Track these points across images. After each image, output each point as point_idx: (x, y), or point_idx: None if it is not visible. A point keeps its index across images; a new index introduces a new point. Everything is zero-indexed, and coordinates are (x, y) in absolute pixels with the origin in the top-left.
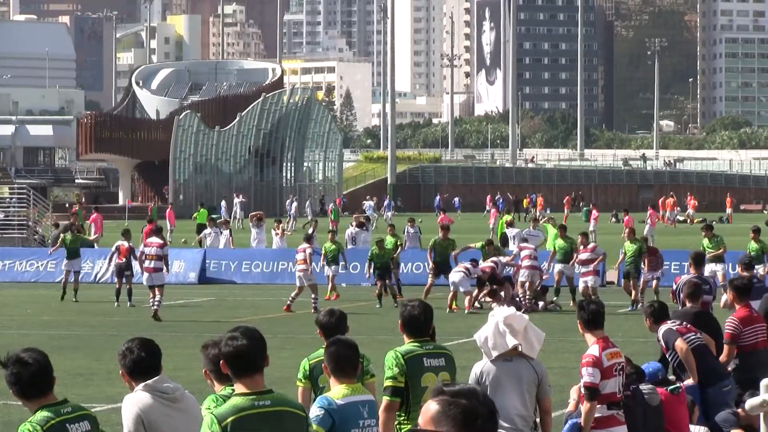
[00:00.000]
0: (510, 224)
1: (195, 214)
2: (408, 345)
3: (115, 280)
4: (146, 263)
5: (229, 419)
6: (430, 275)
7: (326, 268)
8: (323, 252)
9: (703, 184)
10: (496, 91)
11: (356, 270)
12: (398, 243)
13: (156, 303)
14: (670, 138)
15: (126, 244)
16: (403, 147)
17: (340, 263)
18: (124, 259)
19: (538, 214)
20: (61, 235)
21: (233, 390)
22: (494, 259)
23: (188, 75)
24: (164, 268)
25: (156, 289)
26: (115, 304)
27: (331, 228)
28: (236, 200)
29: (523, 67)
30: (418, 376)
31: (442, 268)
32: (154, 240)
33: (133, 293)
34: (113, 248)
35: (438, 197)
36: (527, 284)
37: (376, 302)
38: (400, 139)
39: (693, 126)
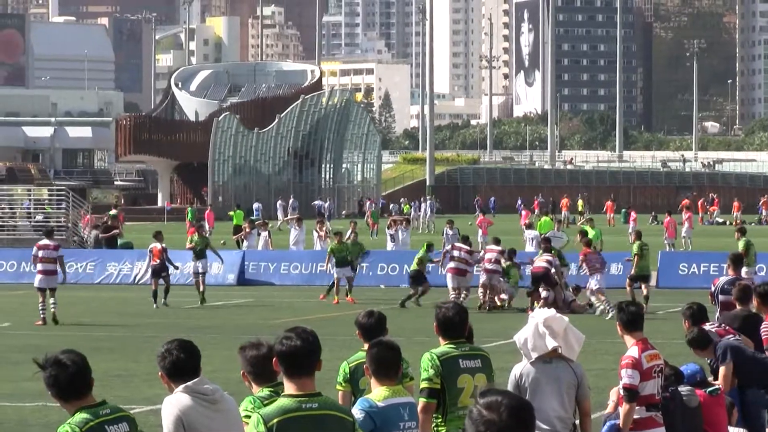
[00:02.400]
0: (529, 226)
1: (231, 214)
2: (444, 347)
3: (152, 281)
4: (39, 266)
5: (275, 420)
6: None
7: (336, 270)
8: (329, 252)
9: (742, 186)
10: (534, 93)
11: (395, 271)
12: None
13: (53, 306)
14: (709, 140)
15: (159, 245)
16: (441, 148)
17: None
18: (158, 261)
19: (564, 215)
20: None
21: (271, 391)
22: (548, 258)
23: (227, 77)
24: (58, 271)
25: (48, 291)
26: (154, 305)
27: (326, 229)
28: (280, 203)
29: (561, 68)
30: (455, 378)
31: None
32: (48, 242)
33: (170, 293)
34: (147, 250)
35: (492, 199)
36: (487, 287)
37: (408, 304)
38: (439, 141)
39: (738, 128)
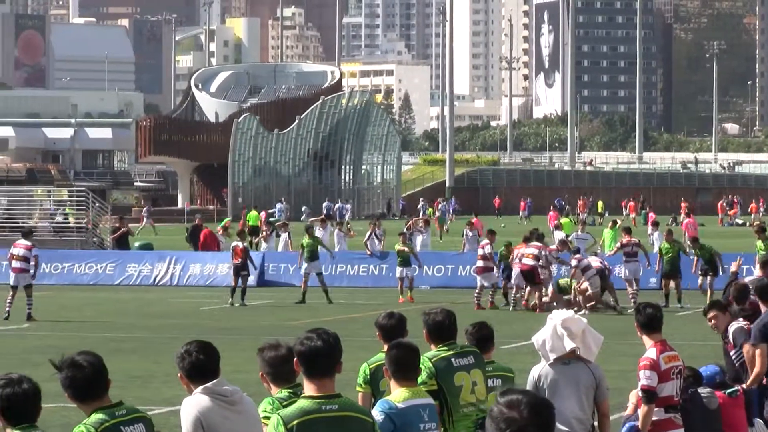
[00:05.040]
0: (558, 228)
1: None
2: (435, 350)
3: (231, 279)
4: (14, 264)
5: (295, 422)
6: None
7: (399, 270)
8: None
9: (762, 187)
10: (554, 94)
11: (414, 273)
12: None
13: (27, 305)
14: (729, 141)
15: (241, 244)
16: (461, 150)
17: (413, 265)
18: (240, 260)
19: (583, 217)
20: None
21: (290, 392)
22: (534, 252)
23: (247, 78)
24: (31, 269)
25: (24, 290)
26: (229, 301)
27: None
28: (279, 205)
29: (581, 69)
30: (450, 377)
31: None
32: (23, 242)
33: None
34: (230, 250)
35: (529, 200)
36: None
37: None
38: (459, 142)
39: (758, 129)
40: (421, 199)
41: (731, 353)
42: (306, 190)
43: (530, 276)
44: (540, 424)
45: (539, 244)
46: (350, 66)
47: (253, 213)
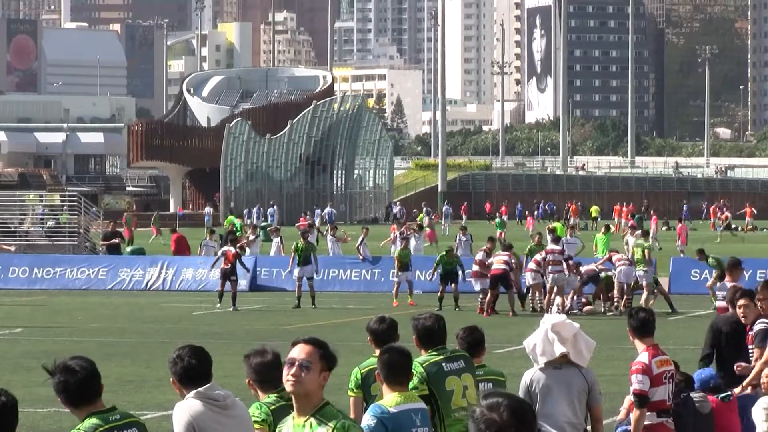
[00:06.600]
0: (552, 232)
1: (225, 221)
2: (425, 355)
3: (219, 283)
4: None
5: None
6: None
7: (399, 273)
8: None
9: (754, 192)
10: (546, 99)
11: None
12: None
13: None
14: (721, 145)
15: (233, 249)
16: (453, 154)
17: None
18: (230, 265)
19: (573, 221)
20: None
21: (277, 396)
22: (505, 258)
23: (239, 82)
24: None
25: None
26: (217, 305)
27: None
28: (271, 209)
29: (573, 74)
30: (441, 381)
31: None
32: None
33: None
34: (219, 253)
35: (504, 207)
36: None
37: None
38: (451, 147)
39: (750, 134)
40: (398, 203)
41: (749, 347)
42: (298, 195)
43: (502, 280)
44: (520, 427)
45: (508, 252)
46: (342, 70)
47: (230, 218)
